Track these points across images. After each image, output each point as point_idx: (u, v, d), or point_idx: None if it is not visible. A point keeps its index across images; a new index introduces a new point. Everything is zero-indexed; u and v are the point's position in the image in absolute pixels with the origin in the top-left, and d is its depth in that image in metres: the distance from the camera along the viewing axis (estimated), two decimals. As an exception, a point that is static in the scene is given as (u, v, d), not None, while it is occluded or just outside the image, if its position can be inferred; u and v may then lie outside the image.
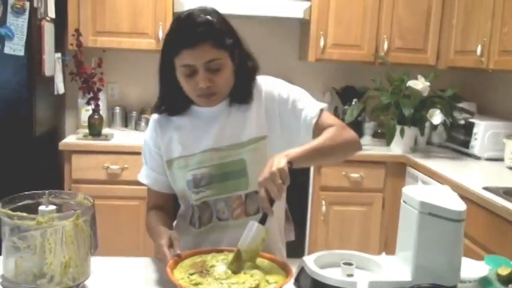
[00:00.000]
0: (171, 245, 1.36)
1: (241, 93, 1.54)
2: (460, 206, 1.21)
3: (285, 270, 1.28)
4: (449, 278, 1.21)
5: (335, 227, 3.31)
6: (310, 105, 1.55)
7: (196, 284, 1.19)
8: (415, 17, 3.50)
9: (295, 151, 1.37)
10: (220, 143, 1.54)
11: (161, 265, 1.40)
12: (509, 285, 1.35)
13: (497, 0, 2.92)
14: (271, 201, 1.28)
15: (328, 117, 1.56)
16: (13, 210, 1.20)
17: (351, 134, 1.53)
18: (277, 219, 1.63)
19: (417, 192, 1.24)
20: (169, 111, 1.59)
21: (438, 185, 1.29)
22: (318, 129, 1.51)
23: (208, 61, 1.41)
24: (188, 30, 1.41)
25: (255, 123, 1.54)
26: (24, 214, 1.17)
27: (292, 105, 1.55)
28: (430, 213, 1.18)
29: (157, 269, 1.42)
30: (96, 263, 1.33)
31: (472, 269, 1.41)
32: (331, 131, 1.49)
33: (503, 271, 1.40)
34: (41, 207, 1.22)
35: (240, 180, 1.55)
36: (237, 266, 1.28)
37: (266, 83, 1.60)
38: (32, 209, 1.23)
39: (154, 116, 1.63)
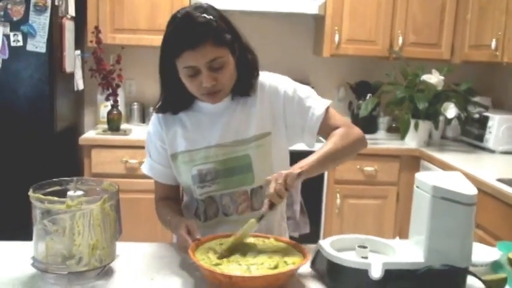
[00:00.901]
0: (189, 232, 1.41)
1: (243, 86, 1.54)
2: (471, 190, 1.24)
3: (302, 252, 1.33)
4: (461, 260, 1.25)
5: (349, 220, 3.34)
6: (316, 104, 1.57)
7: (216, 265, 1.24)
8: (429, 12, 3.52)
9: (307, 163, 1.40)
10: (225, 139, 1.55)
11: (182, 251, 1.45)
12: (521, 269, 1.38)
13: (511, -5, 2.94)
14: (272, 204, 1.34)
15: (334, 116, 1.58)
16: (43, 195, 1.26)
17: (357, 132, 1.56)
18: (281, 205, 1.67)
19: (430, 177, 1.28)
20: (173, 110, 1.59)
21: (449, 171, 1.32)
22: (323, 127, 1.54)
23: (210, 60, 1.41)
24: (188, 32, 1.39)
25: (259, 120, 1.55)
26: (55, 198, 1.23)
27: (298, 103, 1.56)
28: (443, 197, 1.22)
29: (178, 254, 1.47)
30: (120, 247, 1.38)
31: (485, 253, 1.45)
32: (339, 134, 1.52)
33: (515, 256, 1.43)
34: (70, 193, 1.28)
35: (245, 175, 1.56)
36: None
37: (270, 80, 1.60)
38: (60, 195, 1.29)
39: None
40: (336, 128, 1.55)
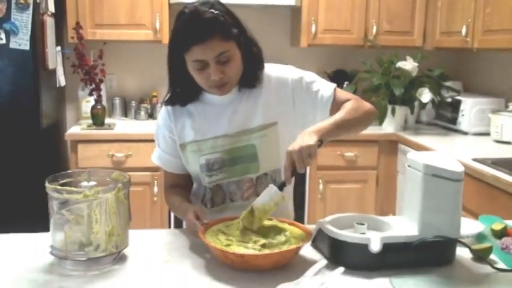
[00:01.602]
0: (197, 218, 1.48)
1: (249, 78, 1.61)
2: (458, 167, 1.35)
3: (304, 231, 1.42)
4: (451, 232, 1.36)
5: (332, 205, 3.46)
6: (323, 86, 1.64)
7: (227, 245, 1.33)
8: (402, 1, 3.66)
9: (323, 127, 1.45)
10: (231, 129, 1.62)
11: (190, 235, 1.53)
12: (502, 238, 1.50)
13: (480, -18, 3.08)
14: (294, 173, 1.40)
15: (342, 94, 1.65)
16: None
17: (367, 105, 1.64)
18: (288, 192, 1.76)
19: (421, 157, 1.38)
20: (182, 102, 1.65)
21: (437, 151, 1.43)
22: (335, 106, 1.60)
23: (218, 54, 1.46)
24: (196, 27, 1.44)
25: (264, 111, 1.62)
26: (73, 188, 1.29)
27: (307, 88, 1.63)
28: (434, 174, 1.33)
29: (187, 238, 1.54)
30: (129, 234, 1.45)
31: (470, 226, 1.57)
32: (350, 104, 1.58)
33: (497, 226, 1.56)
34: (84, 183, 1.35)
35: (251, 164, 1.63)
36: (248, 221, 1.41)
37: (276, 71, 1.66)
38: (72, 186, 1.36)
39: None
40: (346, 102, 1.61)
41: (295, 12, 3.77)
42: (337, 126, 1.51)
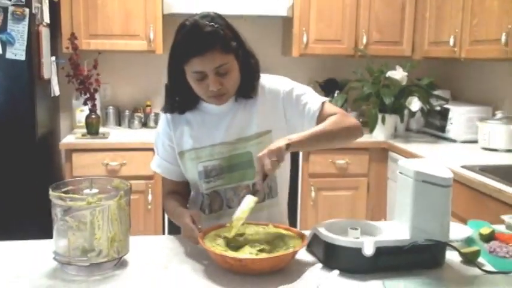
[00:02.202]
0: (193, 222, 1.52)
1: (246, 88, 1.66)
2: (447, 174, 1.41)
3: (299, 236, 1.47)
4: (441, 236, 1.41)
5: (324, 211, 3.51)
6: (312, 99, 1.68)
7: (226, 250, 1.37)
8: (391, 12, 3.73)
9: (297, 135, 1.52)
10: (228, 138, 1.67)
11: (187, 241, 1.57)
12: (490, 242, 1.56)
13: (467, -6, 3.16)
14: (265, 176, 1.45)
15: (330, 108, 1.68)
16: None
17: (352, 120, 1.67)
18: (283, 200, 1.81)
19: (411, 164, 1.44)
20: (180, 110, 1.70)
21: (427, 158, 1.49)
22: (321, 120, 1.64)
23: (217, 66, 1.51)
24: (197, 40, 1.49)
25: (260, 119, 1.67)
26: (76, 196, 1.34)
27: (296, 100, 1.68)
28: (424, 180, 1.38)
29: (184, 245, 1.58)
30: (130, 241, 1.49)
31: (458, 231, 1.63)
32: (333, 118, 1.62)
33: (485, 231, 1.62)
34: (86, 191, 1.39)
35: (247, 170, 1.68)
36: (227, 230, 1.46)
37: (270, 82, 1.72)
38: (74, 194, 1.40)
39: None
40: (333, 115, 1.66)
41: (286, 22, 3.84)
42: (314, 136, 1.55)
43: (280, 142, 1.48)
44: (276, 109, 1.69)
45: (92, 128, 3.39)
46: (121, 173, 3.29)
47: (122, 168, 3.30)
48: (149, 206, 3.35)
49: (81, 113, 3.61)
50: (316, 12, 3.65)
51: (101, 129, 3.56)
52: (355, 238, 1.44)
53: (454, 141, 3.48)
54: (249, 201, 1.47)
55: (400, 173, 1.46)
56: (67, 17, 3.43)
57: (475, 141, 3.32)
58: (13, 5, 2.90)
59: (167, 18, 3.46)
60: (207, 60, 1.50)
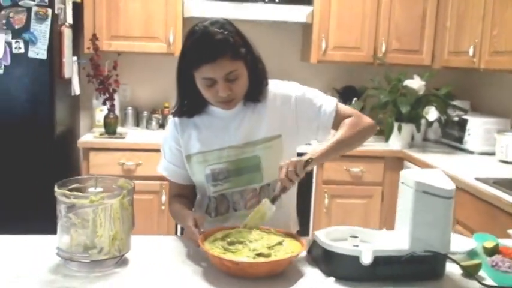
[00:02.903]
0: (196, 225, 1.54)
1: (255, 93, 1.68)
2: (449, 185, 1.40)
3: (299, 242, 1.48)
4: (441, 247, 1.40)
5: (337, 219, 3.49)
6: (326, 101, 1.72)
7: (224, 253, 1.39)
8: (411, 21, 3.71)
9: (319, 150, 1.58)
10: (236, 141, 1.69)
11: (189, 242, 1.59)
12: (493, 256, 1.55)
13: (488, 4, 3.13)
14: (284, 188, 1.52)
15: (344, 109, 1.74)
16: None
17: (367, 120, 1.74)
18: (289, 202, 1.82)
19: (413, 174, 1.44)
20: (189, 114, 1.72)
21: (431, 169, 1.49)
22: (336, 121, 1.69)
23: (227, 73, 1.53)
24: (207, 47, 1.51)
25: (268, 123, 1.69)
26: (80, 193, 1.37)
27: (309, 103, 1.71)
28: (425, 191, 1.38)
29: (186, 245, 1.61)
30: (132, 240, 1.51)
31: (463, 243, 1.61)
32: (350, 121, 1.68)
33: (489, 244, 1.60)
34: (91, 189, 1.42)
35: (254, 174, 1.70)
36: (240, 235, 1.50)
37: (281, 87, 1.74)
38: (80, 192, 1.43)
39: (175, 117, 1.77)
40: (347, 118, 1.70)
41: (306, 29, 3.85)
42: (337, 146, 1.63)
43: (303, 157, 1.53)
44: (287, 114, 1.71)
45: (109, 128, 3.45)
46: (136, 173, 3.33)
47: (138, 168, 3.34)
48: (163, 207, 3.38)
49: (101, 112, 3.66)
50: (336, 19, 3.65)
51: (119, 129, 3.61)
52: (354, 246, 1.44)
53: (471, 152, 3.44)
54: (265, 208, 1.51)
55: (402, 182, 1.46)
56: (89, 18, 3.50)
57: (493, 154, 3.28)
58: (36, 5, 2.97)
59: (187, 21, 3.50)
60: (217, 67, 1.52)
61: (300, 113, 1.71)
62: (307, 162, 1.53)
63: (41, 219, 2.94)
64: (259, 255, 1.39)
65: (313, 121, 1.71)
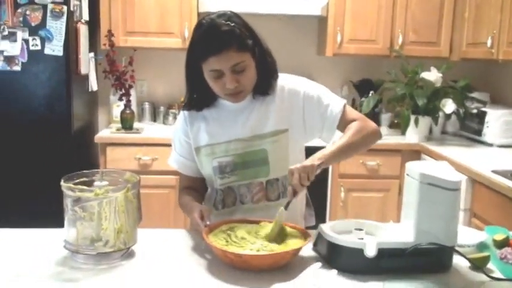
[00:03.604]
0: (202, 217, 1.55)
1: (263, 86, 1.68)
2: (455, 177, 1.38)
3: (304, 235, 1.48)
4: (446, 240, 1.39)
5: (353, 213, 3.48)
6: (334, 101, 1.71)
7: (227, 245, 1.40)
8: (428, 12, 3.65)
9: (327, 154, 1.55)
10: (244, 134, 1.69)
11: (196, 235, 1.61)
12: (504, 248, 1.52)
13: (506, -6, 3.07)
14: (295, 192, 1.49)
15: (351, 112, 1.72)
16: (73, 185, 1.42)
17: (372, 126, 1.71)
18: (298, 198, 1.82)
19: (418, 166, 1.42)
20: (198, 107, 1.74)
21: (437, 161, 1.47)
22: (341, 123, 1.68)
23: (234, 65, 1.53)
24: (214, 39, 1.52)
25: (276, 117, 1.69)
26: (85, 187, 1.39)
27: (318, 101, 1.70)
28: (429, 183, 1.36)
29: (191, 238, 1.62)
30: (140, 233, 1.52)
31: (473, 236, 1.59)
32: (355, 126, 1.66)
33: (499, 237, 1.58)
34: (96, 183, 1.44)
35: (261, 168, 1.70)
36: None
37: (289, 81, 1.74)
38: (87, 185, 1.45)
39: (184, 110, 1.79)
40: (353, 121, 1.69)
41: (321, 22, 3.83)
42: (342, 151, 1.61)
43: (314, 160, 1.51)
44: (295, 108, 1.71)
45: (126, 123, 3.48)
46: (152, 168, 3.36)
47: (154, 163, 3.37)
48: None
49: (118, 108, 3.70)
50: (351, 12, 3.62)
51: (136, 125, 3.64)
52: (359, 239, 1.44)
53: (490, 145, 3.39)
54: (282, 218, 1.50)
55: (407, 175, 1.45)
56: (105, 14, 3.53)
57: (512, 146, 3.23)
58: (52, 2, 3.01)
59: (202, 16, 3.50)
60: (224, 58, 1.52)
61: (307, 109, 1.71)
62: (319, 166, 1.51)
63: (59, 214, 3.01)
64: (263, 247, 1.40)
65: (319, 119, 1.70)
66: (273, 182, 1.72)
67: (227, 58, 1.53)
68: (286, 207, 1.51)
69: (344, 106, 1.71)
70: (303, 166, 1.48)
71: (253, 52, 1.59)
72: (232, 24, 1.55)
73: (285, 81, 1.74)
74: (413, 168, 1.41)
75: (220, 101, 1.72)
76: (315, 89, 1.73)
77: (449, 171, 1.42)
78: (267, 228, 1.50)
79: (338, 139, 1.64)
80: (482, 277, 1.39)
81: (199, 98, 1.72)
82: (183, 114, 1.79)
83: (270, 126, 1.69)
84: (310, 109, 1.70)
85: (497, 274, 1.41)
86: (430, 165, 1.46)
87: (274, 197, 1.73)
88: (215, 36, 1.53)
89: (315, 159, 1.52)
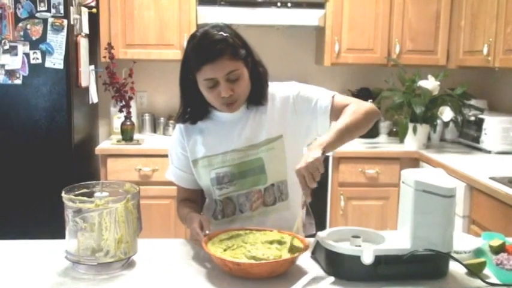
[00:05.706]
0: (201, 227, 1.58)
1: (257, 96, 1.71)
2: (450, 184, 1.40)
3: (302, 243, 1.50)
4: (442, 246, 1.40)
5: (353, 221, 3.49)
6: (322, 95, 1.71)
7: (225, 251, 1.42)
8: (425, 21, 3.69)
9: (326, 140, 1.53)
10: (240, 144, 1.71)
11: (195, 245, 1.63)
12: (499, 254, 1.54)
13: (501, 2, 3.10)
14: (310, 190, 1.49)
15: (342, 99, 1.71)
16: (73, 196, 1.44)
17: (367, 105, 1.68)
18: (295, 203, 1.83)
19: (413, 173, 1.44)
20: (192, 120, 1.75)
21: (432, 168, 1.49)
22: (334, 112, 1.67)
23: (227, 73, 1.56)
24: (207, 48, 1.55)
25: (270, 126, 1.71)
26: (85, 198, 1.41)
27: (306, 99, 1.71)
28: (424, 190, 1.38)
29: (191, 248, 1.64)
30: (140, 243, 1.54)
31: (469, 242, 1.61)
32: (350, 108, 1.65)
33: (495, 243, 1.59)
34: (97, 194, 1.46)
35: (258, 176, 1.72)
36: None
37: (279, 88, 1.76)
38: (88, 197, 1.47)
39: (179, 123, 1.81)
40: (346, 107, 1.68)
41: (319, 32, 3.87)
42: (340, 134, 1.58)
43: (314, 152, 1.49)
44: (287, 113, 1.73)
45: (126, 135, 3.51)
46: (153, 179, 3.38)
47: (154, 174, 3.39)
48: (180, 211, 3.42)
49: (118, 119, 3.73)
50: (349, 22, 3.66)
51: (136, 136, 3.67)
52: (356, 246, 1.45)
53: (488, 152, 3.41)
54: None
55: (403, 182, 1.46)
56: (105, 27, 3.57)
57: (510, 153, 3.25)
58: (52, 16, 3.05)
59: (201, 28, 3.54)
60: (218, 66, 1.56)
61: (299, 110, 1.72)
62: (322, 155, 1.48)
63: (60, 225, 3.02)
64: (254, 257, 1.41)
65: (311, 116, 1.71)
66: (269, 187, 1.74)
67: (221, 66, 1.56)
68: (303, 207, 1.53)
69: (333, 97, 1.71)
70: (308, 164, 1.45)
71: (246, 62, 1.63)
72: (225, 34, 1.58)
73: (275, 89, 1.76)
74: (409, 175, 1.43)
75: (215, 113, 1.75)
76: (304, 89, 1.75)
77: (445, 178, 1.44)
78: (270, 235, 1.53)
79: (335, 124, 1.63)
80: (478, 283, 1.40)
81: (193, 110, 1.74)
82: (178, 128, 1.81)
83: (264, 135, 1.71)
84: (301, 109, 1.72)
85: (494, 280, 1.42)
86: (425, 172, 1.48)
87: (270, 201, 1.74)
88: (209, 45, 1.56)
89: (315, 149, 1.50)
